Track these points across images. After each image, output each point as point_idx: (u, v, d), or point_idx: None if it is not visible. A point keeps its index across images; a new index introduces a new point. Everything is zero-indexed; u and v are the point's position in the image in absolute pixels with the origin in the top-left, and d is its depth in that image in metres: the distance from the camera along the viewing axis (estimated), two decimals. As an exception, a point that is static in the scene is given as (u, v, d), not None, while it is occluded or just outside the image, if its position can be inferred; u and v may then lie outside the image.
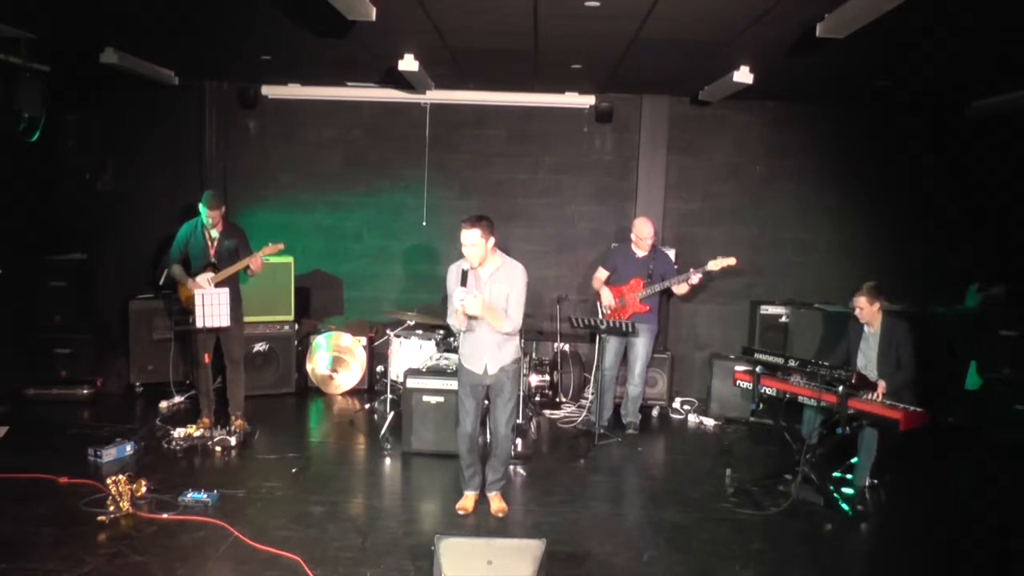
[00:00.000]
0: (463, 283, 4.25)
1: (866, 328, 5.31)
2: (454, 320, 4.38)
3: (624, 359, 6.40)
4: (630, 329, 5.91)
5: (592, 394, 6.54)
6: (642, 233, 6.25)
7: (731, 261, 6.11)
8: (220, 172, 7.77)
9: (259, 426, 5.99)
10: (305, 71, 7.11)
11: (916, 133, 7.34)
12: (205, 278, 5.61)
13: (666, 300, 7.29)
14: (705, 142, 7.66)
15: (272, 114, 7.79)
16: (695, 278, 6.09)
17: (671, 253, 7.05)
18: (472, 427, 4.56)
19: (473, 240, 4.25)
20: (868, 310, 5.22)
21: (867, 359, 5.30)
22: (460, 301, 4.21)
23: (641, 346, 6.22)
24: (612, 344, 6.25)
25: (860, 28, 4.21)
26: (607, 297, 6.24)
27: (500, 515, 4.54)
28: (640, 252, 6.28)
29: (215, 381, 6.07)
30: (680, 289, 6.21)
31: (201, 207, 5.63)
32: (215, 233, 5.70)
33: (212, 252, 5.69)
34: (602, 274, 6.38)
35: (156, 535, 4.09)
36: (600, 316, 6.26)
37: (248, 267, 5.67)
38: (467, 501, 4.62)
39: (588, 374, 7.10)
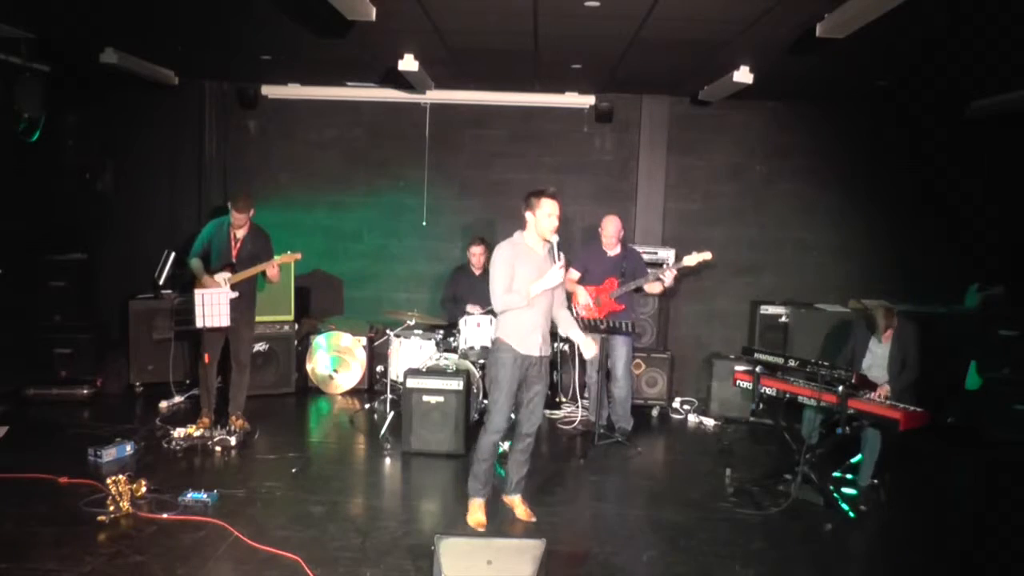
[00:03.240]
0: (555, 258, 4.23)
1: (877, 337, 5.27)
2: (516, 299, 4.19)
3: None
4: (630, 329, 5.88)
5: (588, 394, 6.53)
6: (606, 231, 6.14)
7: (706, 256, 5.91)
8: (220, 172, 7.78)
9: (259, 426, 5.99)
10: (305, 71, 7.11)
11: (916, 133, 7.34)
12: (223, 277, 5.61)
13: (667, 302, 7.29)
14: (705, 142, 7.66)
15: (272, 114, 7.79)
16: (668, 275, 5.94)
17: (671, 253, 7.04)
18: (507, 423, 4.40)
19: (559, 211, 4.25)
20: (894, 329, 5.19)
21: (873, 360, 5.27)
22: (557, 276, 4.20)
23: (620, 346, 6.11)
24: None
25: (860, 28, 4.22)
26: (583, 297, 6.10)
27: (533, 519, 4.43)
28: (611, 251, 6.19)
29: (217, 381, 6.06)
30: (653, 288, 6.03)
31: (229, 206, 5.64)
32: (240, 234, 5.70)
33: (234, 253, 5.68)
34: (574, 274, 6.27)
35: (156, 535, 4.09)
36: (575, 315, 6.20)
37: (265, 273, 5.67)
38: (482, 512, 4.39)
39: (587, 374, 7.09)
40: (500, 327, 4.33)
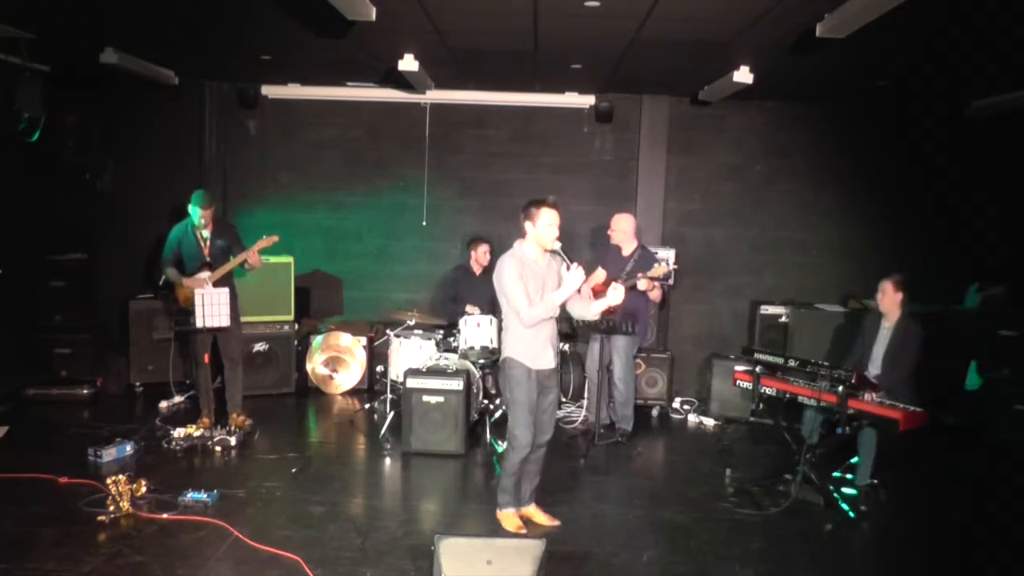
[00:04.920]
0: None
1: (883, 323, 5.29)
2: (544, 309, 4.09)
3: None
4: (629, 329, 5.88)
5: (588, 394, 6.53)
6: (614, 225, 6.14)
7: (666, 268, 5.76)
8: (220, 172, 7.78)
9: (259, 426, 5.99)
10: (305, 71, 7.11)
11: (916, 133, 7.33)
12: (203, 276, 5.61)
13: (667, 300, 7.29)
14: (705, 142, 7.66)
15: (272, 114, 7.79)
16: (641, 283, 5.81)
17: (671, 253, 7.03)
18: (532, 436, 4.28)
19: (559, 221, 4.15)
20: (891, 296, 5.19)
21: (875, 355, 5.28)
22: (578, 279, 4.07)
23: (619, 348, 6.08)
24: (593, 345, 6.19)
25: (860, 28, 4.22)
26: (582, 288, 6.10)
27: (556, 522, 4.40)
28: (625, 251, 6.16)
29: (214, 381, 6.07)
30: (652, 295, 6.01)
31: (192, 208, 5.61)
32: (206, 233, 5.70)
33: (206, 252, 5.69)
34: (600, 274, 6.30)
35: (156, 535, 4.09)
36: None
37: (245, 262, 5.66)
38: (516, 517, 4.36)
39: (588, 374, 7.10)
40: (510, 346, 4.21)
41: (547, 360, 4.23)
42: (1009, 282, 6.98)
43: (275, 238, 5.75)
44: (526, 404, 4.17)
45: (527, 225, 4.18)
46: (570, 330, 6.94)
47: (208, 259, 5.68)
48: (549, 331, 4.23)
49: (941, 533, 4.72)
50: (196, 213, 5.60)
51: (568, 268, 4.09)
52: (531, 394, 4.18)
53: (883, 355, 5.22)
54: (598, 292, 6.12)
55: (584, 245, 7.69)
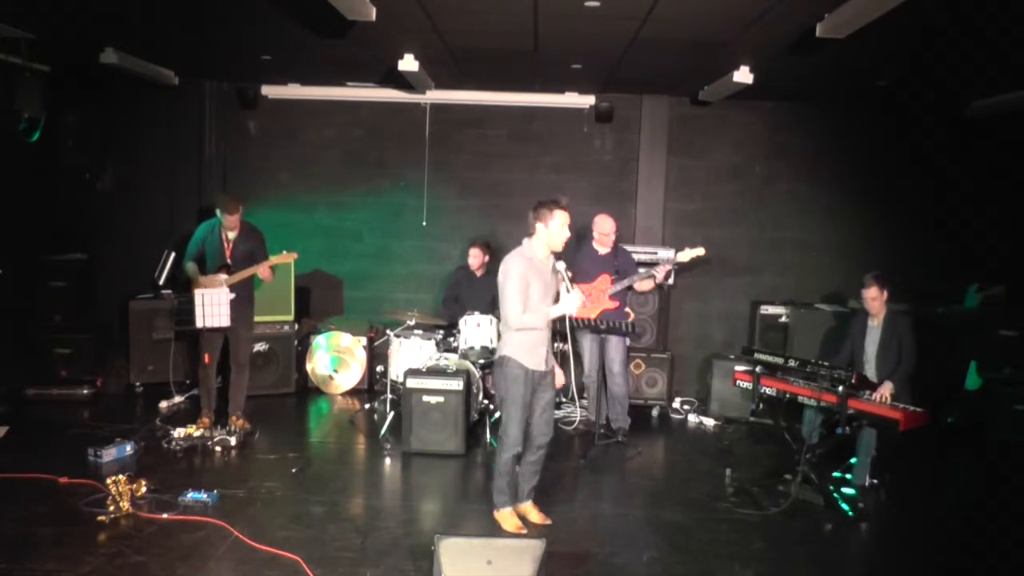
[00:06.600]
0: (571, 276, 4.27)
1: (870, 321, 5.31)
2: (534, 320, 4.17)
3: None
4: (630, 329, 5.89)
5: (587, 394, 6.53)
6: (604, 228, 6.15)
7: (699, 251, 5.94)
8: (220, 172, 7.78)
9: (259, 426, 5.99)
10: (305, 71, 7.11)
11: (916, 133, 7.34)
12: (219, 279, 5.61)
13: (666, 301, 7.30)
14: (705, 142, 7.66)
15: (272, 114, 7.79)
16: (662, 271, 5.98)
17: (671, 253, 7.04)
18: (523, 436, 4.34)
19: (569, 222, 4.25)
20: (879, 299, 5.23)
21: (868, 353, 5.30)
22: (575, 302, 4.21)
23: (615, 344, 6.11)
24: (587, 344, 6.19)
25: (860, 28, 4.22)
26: (577, 295, 6.10)
27: (548, 522, 4.41)
28: (602, 249, 6.18)
29: (217, 381, 6.06)
30: (645, 285, 6.09)
31: (218, 211, 5.65)
32: (232, 235, 5.71)
33: (228, 254, 5.69)
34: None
35: (156, 535, 4.09)
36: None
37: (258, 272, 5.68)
38: (515, 517, 4.39)
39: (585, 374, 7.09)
40: (507, 345, 4.27)
41: (541, 360, 4.29)
42: (1009, 282, 6.98)
43: (294, 255, 5.84)
44: (520, 402, 4.22)
45: (539, 226, 4.23)
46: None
47: (229, 261, 5.68)
48: (544, 332, 4.30)
49: (941, 533, 4.72)
50: (221, 217, 5.64)
51: (568, 290, 4.23)
52: (526, 394, 4.23)
53: (875, 353, 5.23)
54: (587, 291, 6.12)
55: (575, 244, 7.69)
